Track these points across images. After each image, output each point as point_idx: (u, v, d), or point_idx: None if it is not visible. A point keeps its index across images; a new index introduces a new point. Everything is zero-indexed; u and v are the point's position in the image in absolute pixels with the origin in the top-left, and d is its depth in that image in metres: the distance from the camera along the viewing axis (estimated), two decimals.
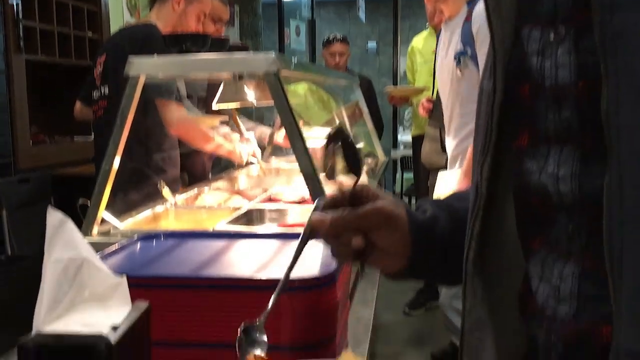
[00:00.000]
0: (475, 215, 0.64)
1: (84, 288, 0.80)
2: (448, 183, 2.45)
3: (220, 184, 2.59)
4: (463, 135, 2.41)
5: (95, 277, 0.81)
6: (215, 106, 2.20)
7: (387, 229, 0.71)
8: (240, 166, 2.77)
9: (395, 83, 7.07)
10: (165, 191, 2.05)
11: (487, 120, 0.63)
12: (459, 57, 2.35)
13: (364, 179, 2.66)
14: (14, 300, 1.06)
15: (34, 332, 0.74)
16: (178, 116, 2.29)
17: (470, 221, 0.65)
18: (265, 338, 0.69)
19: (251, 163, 2.76)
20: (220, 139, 2.39)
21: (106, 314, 0.78)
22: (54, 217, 0.79)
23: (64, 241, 0.78)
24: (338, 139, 0.72)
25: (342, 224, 0.70)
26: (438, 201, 0.82)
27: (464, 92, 2.38)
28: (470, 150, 2.28)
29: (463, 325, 0.66)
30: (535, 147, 0.60)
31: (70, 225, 0.80)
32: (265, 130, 3.24)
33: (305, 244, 0.71)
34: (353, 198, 0.72)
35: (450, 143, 2.53)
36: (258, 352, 0.67)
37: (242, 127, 2.70)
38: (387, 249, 0.73)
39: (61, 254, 0.77)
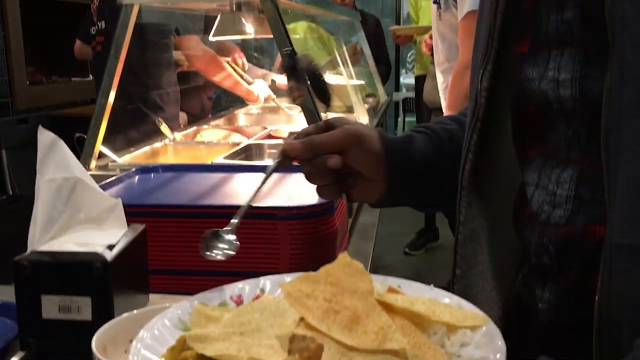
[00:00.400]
0: (473, 126, 0.63)
1: (78, 209, 0.79)
2: None
3: (220, 121, 2.57)
4: (449, 82, 2.35)
5: (90, 199, 0.79)
6: (211, 38, 2.16)
7: (358, 147, 0.69)
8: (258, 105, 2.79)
9: (398, 24, 6.92)
10: (164, 127, 2.04)
11: (489, 27, 0.62)
12: (438, 0, 2.28)
13: (363, 119, 2.64)
14: (15, 239, 1.05)
15: (29, 250, 0.73)
16: (200, 51, 2.28)
17: (467, 133, 0.64)
18: (234, 238, 0.68)
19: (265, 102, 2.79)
20: (238, 77, 2.41)
21: (102, 235, 0.78)
22: (46, 136, 0.77)
23: (56, 161, 0.77)
24: (302, 65, 0.71)
25: (313, 145, 0.69)
26: (417, 125, 0.81)
27: (445, 35, 2.31)
28: (450, 84, 2.23)
29: (457, 237, 0.67)
30: (535, 54, 0.59)
31: (63, 145, 0.78)
32: (267, 73, 3.21)
33: (277, 167, 0.70)
34: (327, 129, 0.71)
35: (440, 85, 2.49)
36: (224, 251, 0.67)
37: (244, 75, 2.70)
38: (364, 170, 0.71)
39: (54, 174, 0.76)
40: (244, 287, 0.61)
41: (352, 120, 0.74)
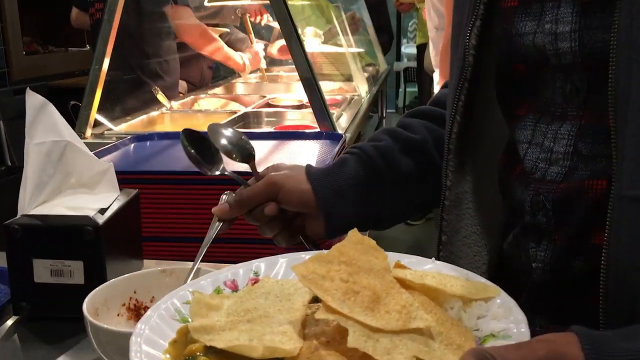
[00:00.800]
0: (460, 87, 0.61)
1: (69, 174, 0.78)
2: None
3: (218, 90, 2.55)
4: (440, 50, 2.30)
5: (81, 162, 0.78)
6: (207, 3, 2.13)
7: (285, 190, 0.70)
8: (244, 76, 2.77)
9: None
10: (161, 96, 2.02)
11: None
12: None
13: (362, 87, 2.61)
14: (13, 209, 1.04)
15: (19, 214, 0.72)
16: (189, 22, 2.26)
17: (454, 96, 0.62)
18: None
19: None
20: (228, 49, 2.39)
21: (93, 199, 0.77)
22: (34, 99, 0.76)
23: (45, 124, 0.75)
24: (189, 139, 0.73)
25: (240, 203, 0.71)
26: (351, 146, 0.81)
27: (434, 2, 2.26)
28: (440, 52, 2.19)
29: (443, 203, 0.65)
30: (527, 6, 0.57)
31: (52, 108, 0.77)
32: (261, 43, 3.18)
33: (216, 232, 0.72)
34: (258, 180, 0.72)
35: (431, 53, 2.46)
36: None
37: (252, 33, 2.67)
38: (299, 208, 0.71)
39: (44, 137, 0.75)
40: (237, 272, 0.56)
41: (284, 165, 0.75)
